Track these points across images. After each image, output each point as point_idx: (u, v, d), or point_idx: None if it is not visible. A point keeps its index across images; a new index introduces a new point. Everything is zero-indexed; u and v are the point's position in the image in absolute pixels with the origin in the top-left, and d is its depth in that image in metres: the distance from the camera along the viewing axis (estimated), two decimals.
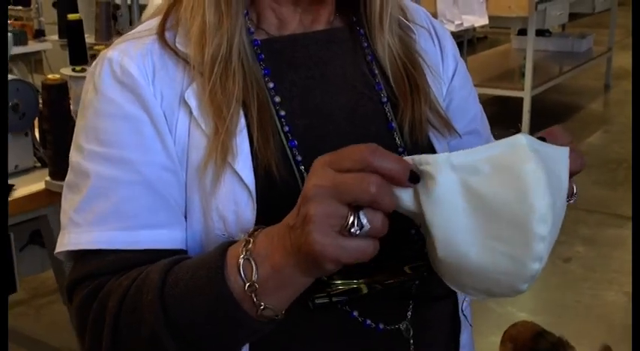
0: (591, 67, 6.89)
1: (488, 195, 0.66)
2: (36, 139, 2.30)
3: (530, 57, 5.40)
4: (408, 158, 0.68)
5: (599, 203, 4.33)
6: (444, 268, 0.72)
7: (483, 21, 5.19)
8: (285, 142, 0.85)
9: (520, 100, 5.48)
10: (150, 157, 0.83)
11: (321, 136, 0.88)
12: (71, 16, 2.28)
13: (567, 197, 0.74)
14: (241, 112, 0.84)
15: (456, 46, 1.06)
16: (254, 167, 0.83)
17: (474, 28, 6.59)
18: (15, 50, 4.15)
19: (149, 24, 0.91)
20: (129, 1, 2.76)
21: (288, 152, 0.85)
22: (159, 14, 0.91)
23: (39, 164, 2.29)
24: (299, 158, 0.85)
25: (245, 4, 0.89)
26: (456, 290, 0.75)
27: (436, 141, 0.95)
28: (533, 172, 0.65)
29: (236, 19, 0.86)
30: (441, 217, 0.67)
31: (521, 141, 0.66)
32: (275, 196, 0.82)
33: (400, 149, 0.92)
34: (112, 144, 0.84)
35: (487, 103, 6.30)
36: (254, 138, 0.83)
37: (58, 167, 2.06)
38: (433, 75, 0.97)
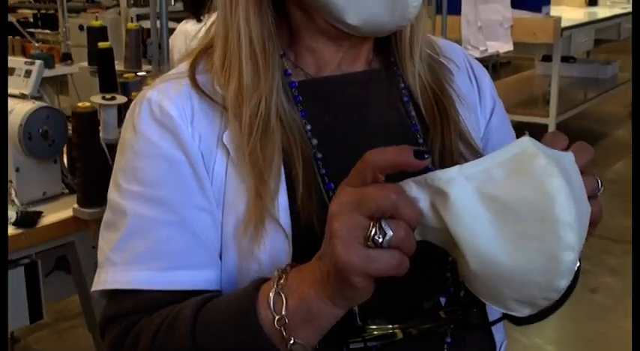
0: (617, 93, 6.84)
1: (507, 197, 0.66)
2: (64, 165, 2.32)
3: (556, 84, 5.38)
4: (421, 177, 0.68)
5: (625, 232, 4.28)
6: (479, 282, 0.71)
7: (508, 47, 5.17)
8: (322, 185, 0.85)
9: (545, 126, 5.45)
10: (187, 197, 0.84)
11: None
12: (102, 44, 2.30)
13: (595, 190, 0.75)
14: (282, 166, 0.84)
15: (493, 85, 1.05)
16: (294, 214, 0.83)
17: (497, 54, 6.58)
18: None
19: (185, 66, 0.91)
20: (157, 25, 2.77)
21: (325, 195, 0.85)
22: (190, 58, 0.92)
23: (67, 191, 2.30)
24: None
25: (282, 46, 0.89)
26: (498, 307, 0.74)
27: None
28: (545, 166, 0.66)
29: (272, 77, 0.85)
30: (465, 229, 0.67)
31: (527, 142, 0.68)
32: (311, 239, 0.82)
33: None
34: (150, 184, 0.84)
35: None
36: (297, 190, 0.83)
37: (87, 195, 2.07)
38: (465, 106, 0.97)
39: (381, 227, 0.65)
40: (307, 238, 0.81)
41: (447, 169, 0.68)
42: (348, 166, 0.87)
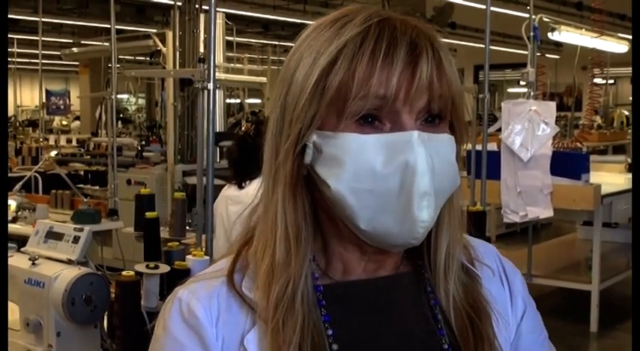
0: None
1: None
2: (104, 329, 2.33)
3: (597, 251, 5.34)
4: None
5: None
6: None
7: (548, 213, 5.18)
8: None
9: (587, 293, 5.36)
10: None
11: None
12: (149, 214, 2.38)
13: None
14: None
15: (526, 287, 1.04)
16: None
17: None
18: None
19: (221, 265, 0.94)
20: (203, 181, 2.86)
21: None
22: (231, 254, 0.95)
23: None
24: None
25: (313, 248, 0.91)
26: None
27: None
28: None
29: (303, 261, 0.88)
30: None
31: None
32: None
33: None
34: None
35: (552, 294, 6.16)
36: None
37: None
38: (499, 321, 0.96)
39: None
40: None
41: None
42: None
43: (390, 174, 0.83)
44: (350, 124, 0.84)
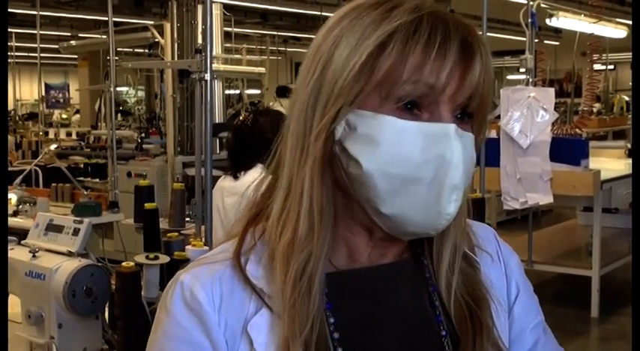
0: None
1: None
2: (105, 320, 2.34)
3: (597, 236, 5.34)
4: None
5: None
6: None
7: (548, 199, 5.18)
8: None
9: (588, 279, 5.37)
10: None
11: None
12: (148, 205, 2.38)
13: None
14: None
15: (522, 270, 1.05)
16: None
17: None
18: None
19: (224, 247, 0.94)
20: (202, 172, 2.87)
21: None
22: (234, 237, 0.95)
23: (106, 346, 2.31)
24: None
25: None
26: None
27: None
28: None
29: (324, 239, 0.88)
30: None
31: None
32: None
33: None
34: None
35: (553, 280, 6.18)
36: None
37: None
38: (497, 307, 0.97)
39: None
40: None
41: None
42: None
43: (425, 163, 0.84)
44: (392, 107, 0.85)
